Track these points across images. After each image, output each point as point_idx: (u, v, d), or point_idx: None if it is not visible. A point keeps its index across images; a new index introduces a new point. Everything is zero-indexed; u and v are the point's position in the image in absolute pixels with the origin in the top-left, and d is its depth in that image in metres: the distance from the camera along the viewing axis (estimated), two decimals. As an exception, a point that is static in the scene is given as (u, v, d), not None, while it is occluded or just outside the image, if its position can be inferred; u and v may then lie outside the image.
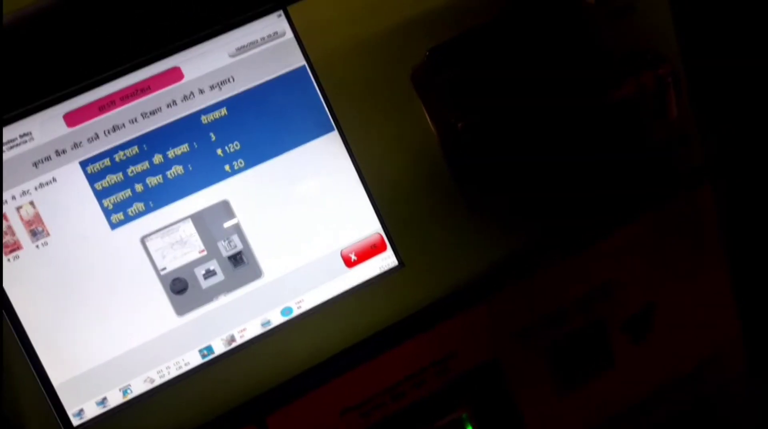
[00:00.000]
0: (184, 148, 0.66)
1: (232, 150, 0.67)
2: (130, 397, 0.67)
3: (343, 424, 0.71)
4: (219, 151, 0.67)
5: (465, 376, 0.73)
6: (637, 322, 0.77)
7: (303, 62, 0.68)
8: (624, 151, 0.71)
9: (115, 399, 0.67)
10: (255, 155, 0.67)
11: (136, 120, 0.66)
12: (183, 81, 0.66)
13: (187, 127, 0.66)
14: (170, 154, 0.66)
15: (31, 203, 0.65)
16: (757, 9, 0.75)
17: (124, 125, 0.66)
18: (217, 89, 0.67)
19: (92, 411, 0.66)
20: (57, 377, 0.65)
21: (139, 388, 0.67)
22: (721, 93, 0.74)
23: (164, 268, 0.67)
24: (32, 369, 0.65)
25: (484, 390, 0.75)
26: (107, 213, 0.66)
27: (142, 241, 0.66)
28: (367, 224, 0.70)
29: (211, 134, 0.67)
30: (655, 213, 0.74)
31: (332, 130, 0.68)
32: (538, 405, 0.76)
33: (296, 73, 0.68)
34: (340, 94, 0.68)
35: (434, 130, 0.69)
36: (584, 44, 0.70)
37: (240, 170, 0.67)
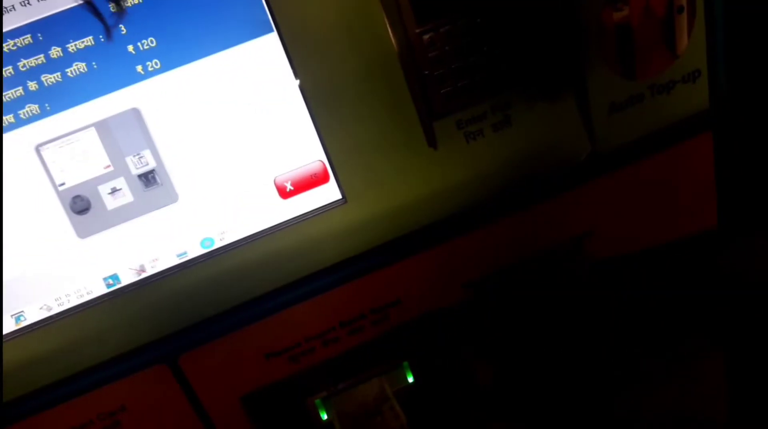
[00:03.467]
0: (88, 41, 0.55)
1: (146, 47, 0.55)
2: (23, 324, 0.59)
3: (269, 368, 0.64)
4: (130, 48, 0.55)
5: (407, 324, 0.66)
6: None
7: (238, -56, 0.55)
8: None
9: (7, 326, 0.59)
10: (174, 55, 0.56)
11: (28, 2, 0.54)
12: (87, -45, 0.54)
13: (92, 15, 0.54)
14: (71, 47, 0.55)
15: None
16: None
17: (13, 7, 0.54)
18: (129, -31, 0.54)
19: (-20, 337, 0.59)
20: (-62, 298, 0.57)
21: (33, 315, 0.59)
22: (743, 29, 0.62)
23: (63, 184, 0.57)
24: None
25: (428, 340, 0.67)
26: (-6, 113, 0.55)
27: (37, 149, 0.56)
28: (308, 149, 0.59)
29: (122, 26, 0.55)
30: (640, 161, 0.64)
31: (270, 30, 0.56)
32: (486, 360, 0.70)
33: (230, -43, 0.55)
34: (283, -13, 0.56)
35: (394, 41, 0.57)
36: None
37: (155, 72, 0.56)
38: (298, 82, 0.57)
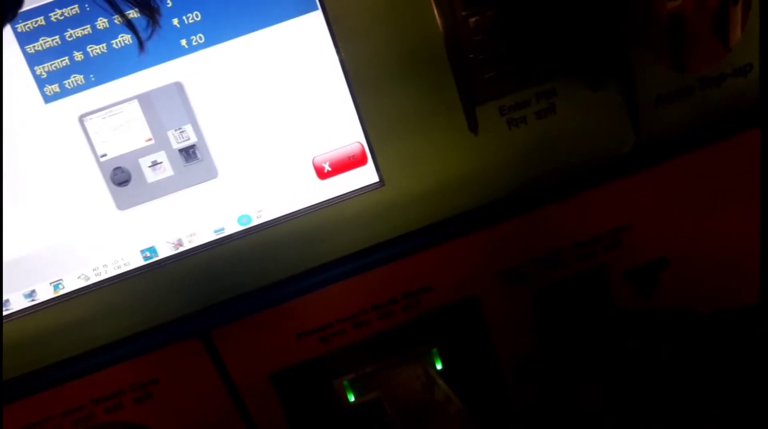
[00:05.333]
0: (134, 13, 0.55)
1: (191, 21, 0.55)
2: (61, 292, 0.60)
3: (300, 348, 0.64)
4: (175, 21, 0.55)
5: (439, 311, 0.65)
6: (644, 277, 0.68)
7: None
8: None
9: (46, 293, 0.60)
10: (218, 31, 0.56)
11: (77, -29, 0.54)
12: (137, -73, 0.54)
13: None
14: (117, 19, 0.55)
15: (-51, 60, 0.54)
16: None
17: (63, -24, 0.54)
18: (178, -58, 0.54)
19: (19, 303, 0.60)
20: (-21, 263, 0.58)
21: (72, 284, 0.60)
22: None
23: (104, 155, 0.57)
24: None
25: (459, 328, 0.67)
26: (40, 82, 0.56)
27: (81, 120, 0.57)
28: (347, 131, 0.59)
29: (168, 0, 0.55)
30: (685, 155, 0.62)
31: (315, 8, 0.56)
32: (518, 352, 0.69)
33: (278, -67, 0.55)
34: (330, -35, 0.55)
35: (440, 24, 0.56)
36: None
37: (199, 47, 0.56)
38: (340, 61, 0.57)
